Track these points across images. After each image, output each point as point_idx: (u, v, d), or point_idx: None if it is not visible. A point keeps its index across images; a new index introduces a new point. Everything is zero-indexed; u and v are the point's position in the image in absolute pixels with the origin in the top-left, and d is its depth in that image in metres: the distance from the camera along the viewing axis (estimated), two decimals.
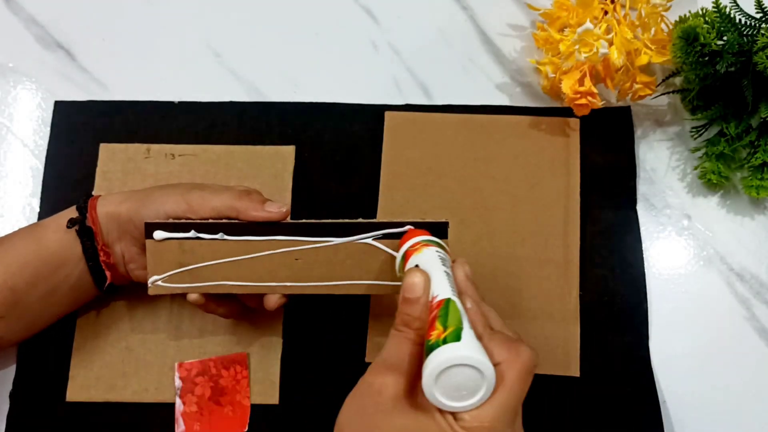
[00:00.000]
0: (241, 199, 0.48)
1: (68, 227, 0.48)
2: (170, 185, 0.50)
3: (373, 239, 0.47)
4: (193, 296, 0.48)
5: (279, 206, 0.48)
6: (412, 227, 0.46)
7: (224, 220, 0.48)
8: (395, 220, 0.47)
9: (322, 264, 0.47)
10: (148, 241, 0.47)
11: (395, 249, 0.46)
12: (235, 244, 0.47)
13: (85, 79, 0.61)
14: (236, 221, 0.48)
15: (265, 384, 0.53)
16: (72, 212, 0.49)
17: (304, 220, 0.47)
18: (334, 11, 0.63)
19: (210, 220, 0.47)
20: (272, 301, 0.48)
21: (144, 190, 0.50)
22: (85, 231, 0.48)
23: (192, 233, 0.47)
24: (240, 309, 0.51)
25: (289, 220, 0.48)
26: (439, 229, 0.46)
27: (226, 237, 0.47)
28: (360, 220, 0.47)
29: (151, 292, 0.48)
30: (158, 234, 0.47)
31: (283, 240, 0.47)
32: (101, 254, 0.48)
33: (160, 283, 0.48)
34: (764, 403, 0.52)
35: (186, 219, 0.47)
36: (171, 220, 0.47)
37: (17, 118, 0.60)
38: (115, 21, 0.63)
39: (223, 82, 0.61)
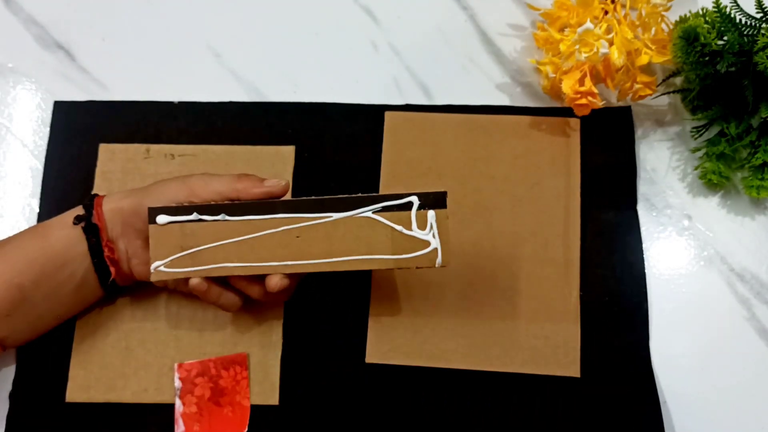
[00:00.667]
0: (241, 180, 0.49)
1: (75, 224, 0.49)
2: (170, 178, 0.51)
3: (372, 212, 0.47)
4: (195, 281, 0.48)
5: (278, 181, 0.49)
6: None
7: (226, 202, 0.48)
8: (395, 192, 0.47)
9: (322, 240, 0.47)
10: (150, 226, 0.47)
11: (395, 221, 0.46)
12: (237, 225, 0.47)
13: (84, 79, 0.61)
14: (237, 202, 0.48)
15: (265, 384, 0.53)
16: (77, 211, 0.50)
17: (303, 197, 0.47)
18: (334, 11, 0.63)
19: (212, 203, 0.48)
20: (274, 281, 0.47)
21: (146, 185, 0.51)
22: (91, 228, 0.49)
23: (194, 215, 0.47)
24: (242, 300, 0.51)
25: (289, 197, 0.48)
26: (437, 199, 0.46)
27: (227, 218, 0.47)
28: (359, 194, 0.47)
29: (153, 278, 0.48)
30: (161, 218, 0.47)
31: (283, 218, 0.47)
32: (106, 250, 0.49)
33: (162, 268, 0.48)
34: (764, 403, 0.52)
35: (187, 202, 0.48)
36: (175, 205, 0.48)
37: (17, 119, 0.60)
38: (115, 21, 0.63)
39: (223, 82, 0.61)
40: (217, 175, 0.50)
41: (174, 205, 0.48)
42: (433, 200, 0.46)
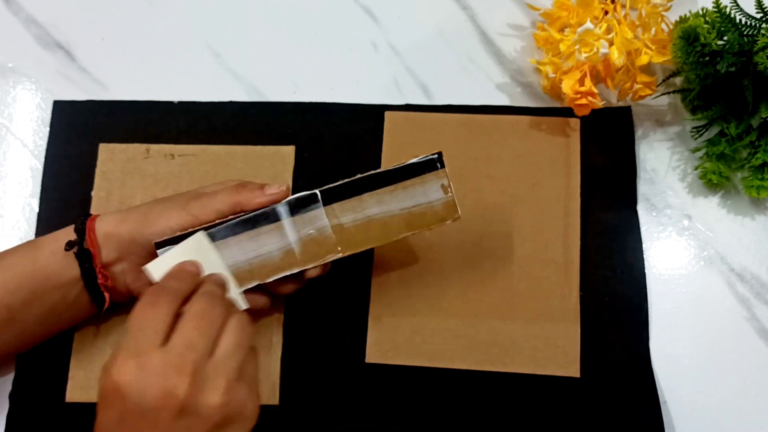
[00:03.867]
0: (240, 193, 0.48)
1: (66, 250, 0.48)
2: (166, 200, 0.50)
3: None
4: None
5: (278, 186, 0.48)
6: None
7: (230, 217, 0.47)
8: (396, 166, 0.48)
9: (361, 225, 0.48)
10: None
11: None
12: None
13: (84, 79, 0.61)
14: (242, 215, 0.47)
15: (265, 384, 0.53)
16: (69, 233, 0.48)
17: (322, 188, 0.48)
18: (334, 11, 0.63)
19: (216, 221, 0.47)
20: (313, 273, 0.49)
21: (140, 207, 0.50)
22: (84, 254, 0.48)
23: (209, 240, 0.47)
24: (270, 299, 0.51)
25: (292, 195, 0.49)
26: (432, 162, 0.48)
27: (261, 228, 0.47)
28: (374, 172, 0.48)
29: None
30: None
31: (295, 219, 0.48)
32: (99, 276, 0.48)
33: None
34: (764, 403, 0.52)
35: (192, 228, 0.47)
36: (179, 234, 0.47)
37: (17, 119, 0.60)
38: (115, 21, 0.63)
39: (223, 82, 0.61)
40: (214, 194, 0.48)
41: (179, 233, 0.47)
42: (429, 164, 0.48)
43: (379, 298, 0.54)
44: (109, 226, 0.48)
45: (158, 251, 0.47)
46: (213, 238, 0.47)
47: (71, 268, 0.48)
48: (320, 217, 0.48)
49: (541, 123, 0.58)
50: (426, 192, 0.48)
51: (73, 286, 0.48)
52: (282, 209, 0.48)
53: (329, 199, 0.48)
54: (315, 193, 0.48)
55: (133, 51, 0.62)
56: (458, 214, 0.48)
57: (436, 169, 0.48)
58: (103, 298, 0.49)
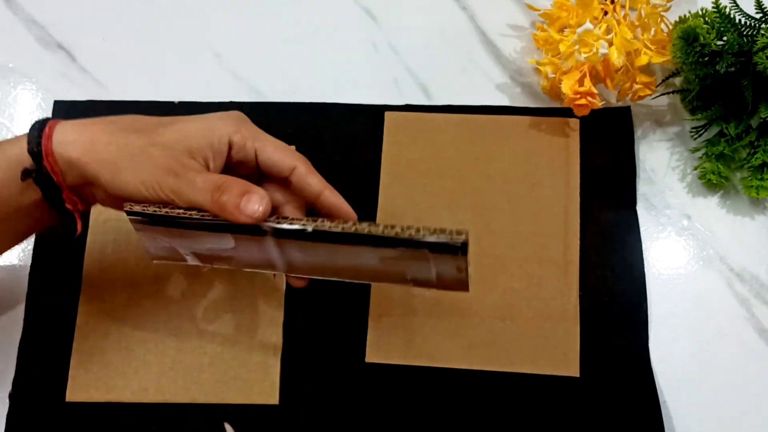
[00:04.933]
0: (220, 198, 0.41)
1: (22, 180, 0.41)
2: (139, 151, 0.41)
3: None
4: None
5: (260, 199, 0.41)
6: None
7: (207, 216, 0.42)
8: (409, 237, 0.40)
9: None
10: (136, 225, 0.43)
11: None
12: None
13: (85, 79, 0.61)
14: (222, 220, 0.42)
15: (265, 384, 0.53)
16: (21, 142, 0.41)
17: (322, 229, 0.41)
18: (334, 11, 0.63)
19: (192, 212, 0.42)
20: (298, 283, 0.46)
21: (110, 145, 0.41)
22: (43, 178, 0.41)
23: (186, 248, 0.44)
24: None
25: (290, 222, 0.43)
26: (454, 248, 0.40)
27: (242, 235, 0.42)
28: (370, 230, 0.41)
29: (156, 261, 0.46)
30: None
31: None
32: (67, 201, 0.42)
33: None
34: (764, 403, 0.52)
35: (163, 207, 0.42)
36: (152, 211, 0.42)
37: (17, 119, 0.60)
38: (115, 21, 0.63)
39: (223, 82, 0.61)
40: (190, 181, 0.41)
41: (151, 210, 0.42)
42: (449, 248, 0.40)
43: (379, 298, 0.54)
44: (74, 153, 0.41)
45: (129, 217, 0.42)
46: (186, 227, 0.42)
47: (31, 192, 0.42)
48: (309, 248, 0.42)
49: (540, 123, 0.58)
50: (437, 265, 0.41)
51: (35, 208, 0.42)
52: (267, 228, 0.42)
53: (322, 239, 0.41)
54: (305, 230, 0.41)
55: (133, 51, 0.62)
56: (467, 290, 0.42)
57: (456, 254, 0.40)
58: (64, 208, 0.43)
